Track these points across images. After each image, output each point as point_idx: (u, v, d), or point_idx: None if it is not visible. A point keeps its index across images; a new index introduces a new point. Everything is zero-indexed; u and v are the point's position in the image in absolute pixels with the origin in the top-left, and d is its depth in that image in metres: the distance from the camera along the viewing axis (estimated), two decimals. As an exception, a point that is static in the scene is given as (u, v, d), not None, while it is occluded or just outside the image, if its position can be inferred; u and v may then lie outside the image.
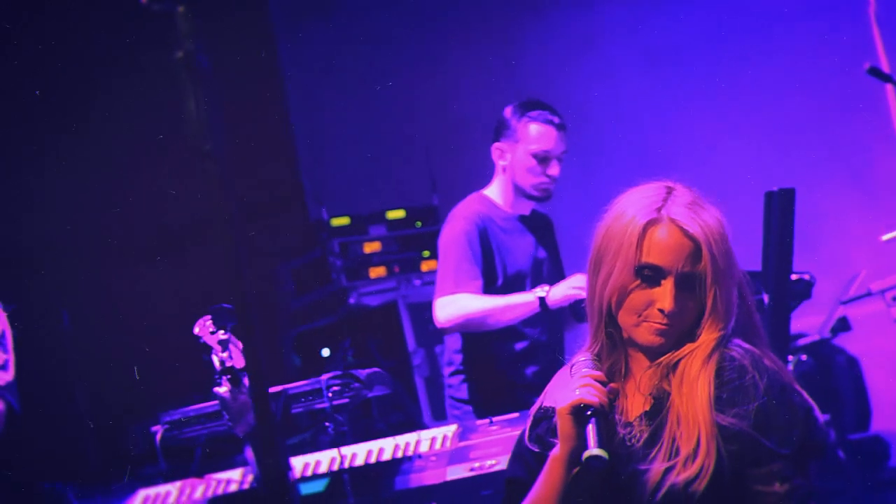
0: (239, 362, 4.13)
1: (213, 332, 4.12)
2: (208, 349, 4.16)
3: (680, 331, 2.56)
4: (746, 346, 2.58)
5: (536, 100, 5.18)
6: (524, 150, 5.05)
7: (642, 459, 2.51)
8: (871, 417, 6.27)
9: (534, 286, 5.00)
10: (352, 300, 6.77)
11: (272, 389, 4.32)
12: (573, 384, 2.52)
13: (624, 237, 2.54)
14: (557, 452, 2.52)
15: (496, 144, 5.15)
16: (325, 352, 6.83)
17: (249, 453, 4.00)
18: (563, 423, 2.50)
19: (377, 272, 6.87)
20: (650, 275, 2.53)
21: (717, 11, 6.96)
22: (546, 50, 7.38)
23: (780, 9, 6.21)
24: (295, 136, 8.08)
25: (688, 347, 2.55)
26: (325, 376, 4.23)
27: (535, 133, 5.04)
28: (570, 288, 4.80)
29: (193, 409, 4.37)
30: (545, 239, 5.24)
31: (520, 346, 5.05)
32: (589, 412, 2.48)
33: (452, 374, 5.14)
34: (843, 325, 5.68)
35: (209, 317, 4.22)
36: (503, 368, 5.06)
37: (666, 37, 7.21)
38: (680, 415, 2.49)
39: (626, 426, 2.58)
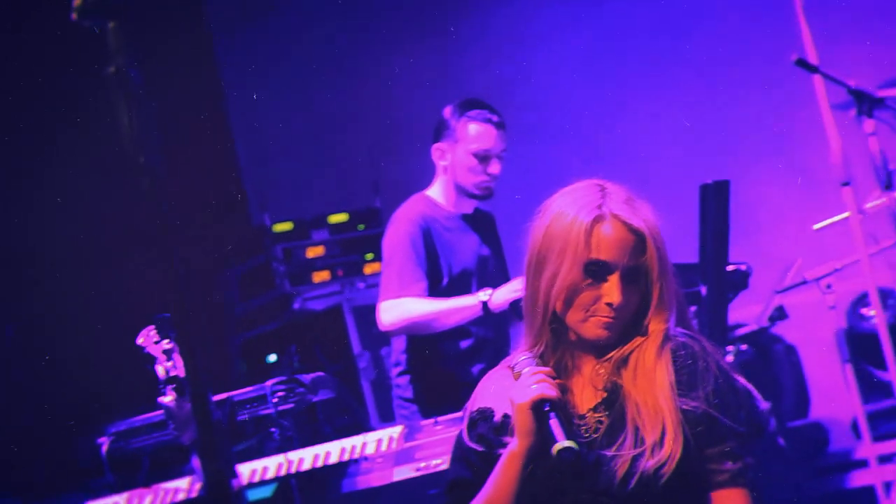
0: (183, 371, 4.14)
1: (157, 342, 4.13)
2: (152, 359, 4.17)
3: (624, 323, 2.62)
4: (688, 332, 2.67)
5: (475, 99, 5.21)
6: (464, 149, 5.08)
7: (606, 449, 2.56)
8: (810, 405, 6.36)
9: (479, 285, 5.03)
10: (296, 305, 6.79)
11: (217, 397, 4.35)
12: (526, 381, 2.56)
13: (570, 235, 2.58)
14: (515, 448, 2.56)
15: (436, 145, 5.18)
16: (272, 357, 6.84)
17: (196, 462, 4.01)
18: (523, 419, 2.54)
19: (321, 276, 6.89)
20: (597, 271, 2.58)
21: (651, 7, 7.02)
22: (483, 49, 7.42)
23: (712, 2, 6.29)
24: (235, 142, 8.09)
25: (637, 340, 2.63)
26: (269, 382, 4.26)
27: (475, 132, 5.07)
28: (513, 291, 4.84)
29: (139, 420, 4.38)
30: (489, 237, 5.28)
31: (465, 344, 5.08)
32: (547, 407, 2.53)
33: (400, 374, 5.16)
34: (780, 314, 5.75)
35: (152, 326, 4.23)
36: (449, 367, 5.09)
37: (602, 34, 7.28)
38: (639, 404, 2.56)
39: (580, 418, 2.63)
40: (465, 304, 4.92)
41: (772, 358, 6.10)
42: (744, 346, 5.96)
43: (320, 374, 4.41)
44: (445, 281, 5.05)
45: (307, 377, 4.31)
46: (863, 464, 5.75)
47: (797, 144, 5.14)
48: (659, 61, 6.87)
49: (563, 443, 2.48)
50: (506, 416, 2.66)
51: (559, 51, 7.40)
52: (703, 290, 4.50)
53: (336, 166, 7.63)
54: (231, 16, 8.14)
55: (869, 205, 4.63)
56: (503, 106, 5.20)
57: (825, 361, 6.09)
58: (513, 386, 2.60)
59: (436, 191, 5.22)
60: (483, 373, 4.99)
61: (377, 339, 6.60)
